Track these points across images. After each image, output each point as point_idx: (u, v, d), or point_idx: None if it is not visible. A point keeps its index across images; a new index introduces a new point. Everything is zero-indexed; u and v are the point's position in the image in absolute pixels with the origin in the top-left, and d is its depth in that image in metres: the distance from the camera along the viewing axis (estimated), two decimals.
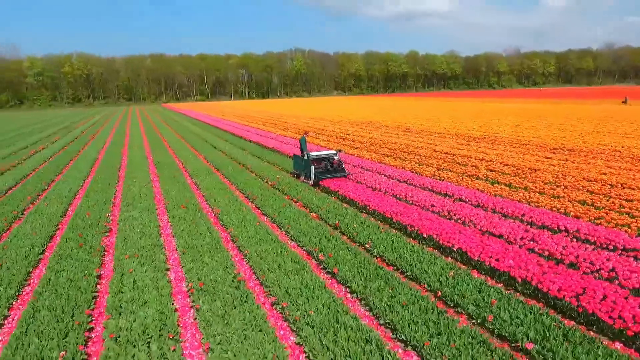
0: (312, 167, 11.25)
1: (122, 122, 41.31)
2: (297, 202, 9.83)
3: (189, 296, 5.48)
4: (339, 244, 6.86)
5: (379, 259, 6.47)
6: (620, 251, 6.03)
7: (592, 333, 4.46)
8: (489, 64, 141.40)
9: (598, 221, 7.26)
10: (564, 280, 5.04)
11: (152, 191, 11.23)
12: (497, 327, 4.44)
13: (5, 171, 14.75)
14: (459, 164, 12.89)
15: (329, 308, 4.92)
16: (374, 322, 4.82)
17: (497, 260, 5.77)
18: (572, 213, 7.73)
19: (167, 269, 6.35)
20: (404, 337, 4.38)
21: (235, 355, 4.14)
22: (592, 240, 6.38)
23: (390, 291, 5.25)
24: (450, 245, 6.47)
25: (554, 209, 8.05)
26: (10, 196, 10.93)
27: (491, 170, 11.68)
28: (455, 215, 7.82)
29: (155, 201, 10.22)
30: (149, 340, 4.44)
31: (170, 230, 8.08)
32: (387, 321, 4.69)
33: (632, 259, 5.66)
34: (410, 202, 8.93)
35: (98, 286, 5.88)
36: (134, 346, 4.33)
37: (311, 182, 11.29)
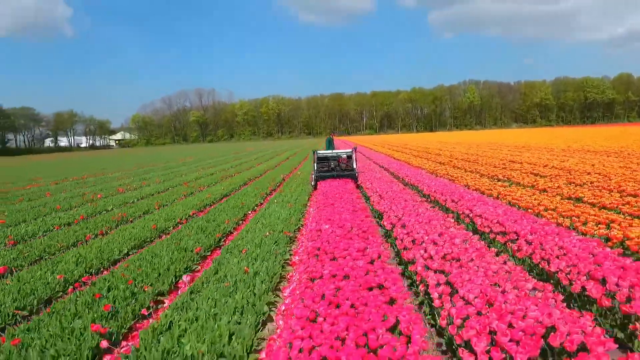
0: (315, 166, 10.01)
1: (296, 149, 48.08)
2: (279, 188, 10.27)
3: None
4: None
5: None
6: (512, 235, 4.50)
7: None
8: None
9: (554, 214, 5.35)
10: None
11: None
12: None
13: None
14: (505, 168, 10.85)
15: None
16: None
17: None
18: (532, 208, 5.84)
19: None
20: None
21: None
22: (492, 228, 4.86)
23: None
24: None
25: (515, 203, 6.33)
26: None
27: (531, 173, 9.54)
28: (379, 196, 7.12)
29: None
30: None
31: None
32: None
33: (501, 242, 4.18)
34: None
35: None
36: None
37: (312, 182, 9.83)
